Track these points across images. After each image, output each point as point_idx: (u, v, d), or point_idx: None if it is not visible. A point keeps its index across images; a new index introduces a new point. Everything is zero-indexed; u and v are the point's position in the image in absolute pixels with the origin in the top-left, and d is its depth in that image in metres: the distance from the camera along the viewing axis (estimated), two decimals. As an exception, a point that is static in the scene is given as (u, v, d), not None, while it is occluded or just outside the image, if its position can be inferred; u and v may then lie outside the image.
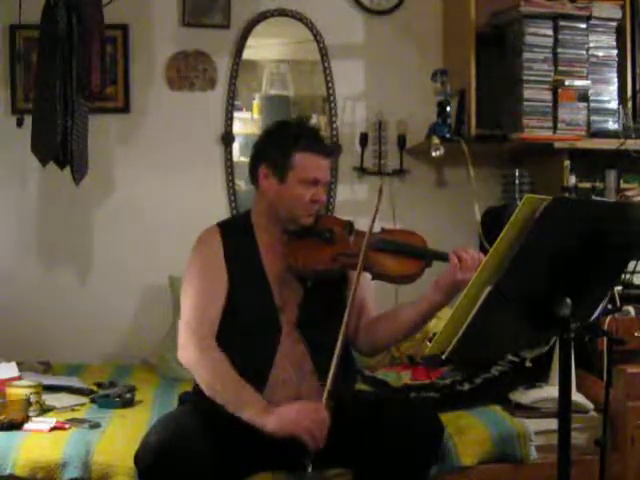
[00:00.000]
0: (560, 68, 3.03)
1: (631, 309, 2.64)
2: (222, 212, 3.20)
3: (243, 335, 1.99)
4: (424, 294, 2.02)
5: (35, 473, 2.02)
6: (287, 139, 2.05)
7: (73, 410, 2.40)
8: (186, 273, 2.08)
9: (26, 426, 2.20)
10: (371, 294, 2.20)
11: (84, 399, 2.52)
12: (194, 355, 1.97)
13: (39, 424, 2.20)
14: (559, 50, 3.03)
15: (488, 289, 1.41)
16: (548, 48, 3.02)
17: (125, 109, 3.28)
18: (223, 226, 2.12)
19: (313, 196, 2.04)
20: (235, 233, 2.10)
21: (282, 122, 2.20)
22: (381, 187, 2.11)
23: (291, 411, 1.85)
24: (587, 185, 3.00)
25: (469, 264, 1.93)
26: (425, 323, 2.09)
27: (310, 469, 1.83)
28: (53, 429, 2.18)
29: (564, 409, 1.55)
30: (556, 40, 3.03)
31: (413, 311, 2.04)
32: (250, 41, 3.34)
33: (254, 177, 2.12)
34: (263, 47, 3.40)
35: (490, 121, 3.12)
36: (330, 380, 1.87)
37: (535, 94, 3.02)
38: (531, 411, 2.46)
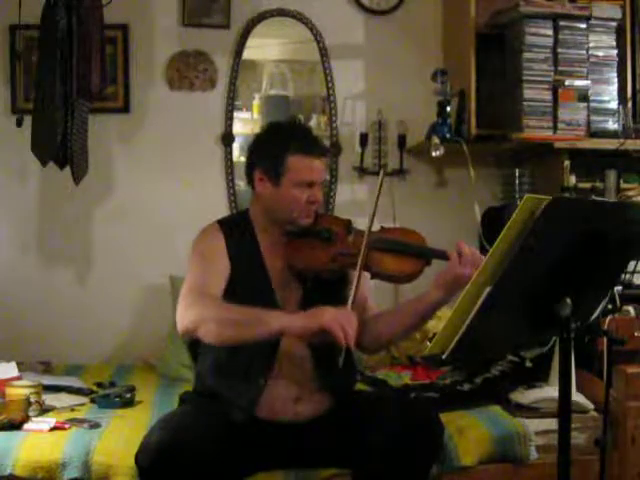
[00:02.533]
0: (560, 68, 3.03)
1: (631, 309, 2.64)
2: (222, 212, 3.19)
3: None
4: (425, 292, 2.02)
5: (35, 473, 2.02)
6: (279, 142, 2.04)
7: (73, 410, 2.40)
8: (188, 262, 2.06)
9: (26, 426, 2.20)
10: (370, 292, 2.21)
11: (84, 399, 2.52)
12: (198, 306, 1.89)
13: (39, 424, 2.20)
14: (559, 50, 3.03)
15: (488, 289, 1.40)
16: (548, 48, 3.02)
17: (125, 109, 3.28)
18: (224, 223, 2.12)
19: (309, 197, 2.04)
20: (236, 231, 2.10)
21: (274, 124, 2.19)
22: (381, 175, 2.05)
23: (320, 309, 1.83)
24: (587, 185, 3.00)
25: (469, 259, 1.93)
26: (426, 321, 2.09)
27: (341, 362, 1.81)
28: (53, 429, 2.18)
29: (564, 409, 1.55)
30: (556, 40, 3.03)
31: (414, 308, 2.03)
32: (250, 41, 3.34)
33: (249, 180, 2.12)
34: (263, 47, 3.40)
35: (490, 121, 3.12)
36: (353, 292, 1.88)
37: (535, 94, 3.02)
38: (531, 411, 2.46)
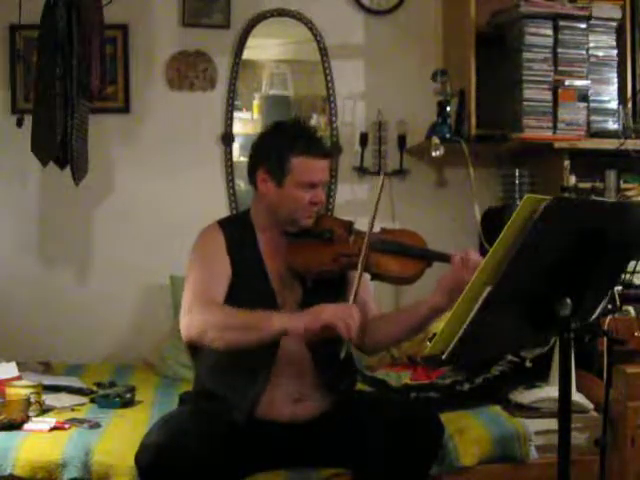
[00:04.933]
0: (560, 68, 3.03)
1: (631, 309, 2.64)
2: (222, 212, 3.20)
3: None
4: (427, 296, 2.01)
5: (35, 473, 2.02)
6: (283, 143, 2.04)
7: (73, 410, 2.40)
8: (189, 264, 2.06)
9: (26, 426, 2.20)
10: (370, 293, 2.21)
11: (84, 399, 2.52)
12: (202, 314, 1.89)
13: (39, 424, 2.20)
14: (559, 50, 3.03)
15: (488, 289, 1.40)
16: (548, 48, 3.02)
17: (125, 109, 3.28)
18: (224, 224, 2.12)
19: (312, 198, 2.04)
20: (236, 231, 2.10)
21: (278, 124, 2.18)
22: (382, 180, 2.04)
23: (321, 307, 1.84)
24: (587, 185, 3.00)
25: (472, 265, 1.92)
26: (426, 325, 2.08)
27: (343, 355, 1.83)
28: (53, 429, 2.18)
29: (564, 409, 1.55)
30: (556, 40, 3.02)
31: (415, 312, 2.03)
32: (250, 41, 3.34)
33: (252, 179, 2.12)
34: (263, 47, 3.40)
35: (490, 121, 3.12)
36: (355, 290, 1.89)
37: (535, 94, 3.01)
38: (531, 411, 2.46)
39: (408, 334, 2.12)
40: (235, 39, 3.34)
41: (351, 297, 1.89)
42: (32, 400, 2.27)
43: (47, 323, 3.20)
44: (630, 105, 3.13)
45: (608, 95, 3.09)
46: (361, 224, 2.13)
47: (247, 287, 2.03)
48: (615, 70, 3.10)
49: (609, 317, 2.43)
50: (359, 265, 1.95)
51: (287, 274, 2.06)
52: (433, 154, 3.03)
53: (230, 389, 1.99)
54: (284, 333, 1.85)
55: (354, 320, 1.80)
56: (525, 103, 3.00)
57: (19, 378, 2.44)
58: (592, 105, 3.06)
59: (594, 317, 1.67)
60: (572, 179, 2.98)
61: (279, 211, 2.06)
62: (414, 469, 1.91)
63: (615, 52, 3.09)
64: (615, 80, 3.10)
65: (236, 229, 2.11)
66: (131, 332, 3.28)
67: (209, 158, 3.34)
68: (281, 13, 3.35)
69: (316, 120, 3.43)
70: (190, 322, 1.91)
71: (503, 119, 3.12)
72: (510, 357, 2.57)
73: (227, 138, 3.35)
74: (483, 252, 2.84)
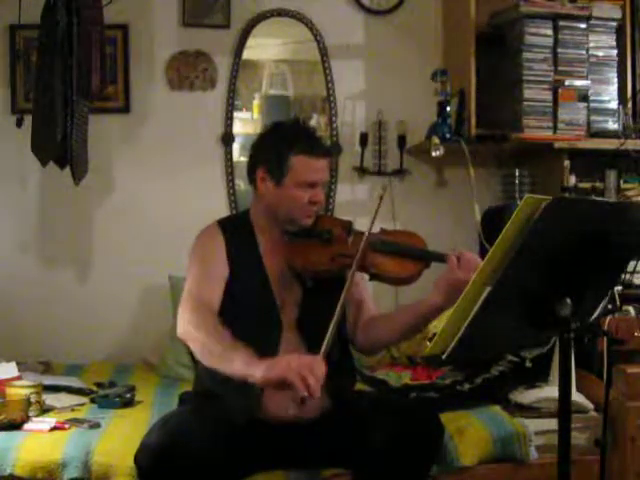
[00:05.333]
0: (560, 68, 3.03)
1: (631, 309, 2.64)
2: (222, 212, 3.19)
3: (243, 334, 1.97)
4: (425, 297, 2.01)
5: (35, 473, 2.02)
6: (282, 142, 2.04)
7: (73, 410, 2.40)
8: (188, 265, 2.07)
9: (26, 426, 2.19)
10: (368, 294, 2.21)
11: (84, 399, 2.52)
12: (189, 317, 1.93)
13: (39, 424, 2.20)
14: (559, 50, 3.03)
15: (488, 289, 1.40)
16: (548, 48, 3.02)
17: (125, 109, 3.28)
18: (223, 224, 2.12)
19: (311, 198, 2.03)
20: (236, 231, 2.10)
21: (277, 124, 2.19)
22: (382, 194, 2.05)
23: (283, 359, 1.78)
24: (587, 185, 3.01)
25: (468, 264, 1.93)
26: (425, 325, 2.08)
27: (291, 412, 1.83)
28: (53, 429, 2.18)
29: (564, 409, 1.55)
30: (556, 40, 3.03)
31: (413, 312, 2.03)
32: (250, 41, 3.34)
33: (252, 179, 2.12)
34: (263, 47, 3.40)
35: (490, 121, 3.12)
36: (328, 337, 1.80)
37: (535, 94, 3.02)
38: (531, 411, 2.47)
39: (406, 334, 2.12)
40: (235, 39, 3.34)
41: (323, 347, 1.79)
42: (32, 400, 2.27)
43: (47, 323, 3.20)
44: (630, 105, 3.13)
45: (608, 95, 3.09)
46: (361, 224, 2.13)
47: (246, 288, 2.03)
48: (615, 70, 3.10)
49: (609, 317, 2.43)
50: (353, 265, 1.95)
51: (287, 274, 2.06)
52: (433, 154, 3.03)
53: (230, 389, 1.98)
54: (244, 377, 1.79)
55: (316, 378, 1.70)
56: (525, 103, 3.01)
57: (19, 378, 2.44)
58: (592, 105, 3.07)
59: (594, 317, 1.67)
60: (572, 179, 2.98)
61: (278, 211, 2.06)
62: (414, 469, 1.91)
63: (615, 52, 3.10)
64: (615, 80, 3.10)
65: (235, 229, 2.11)
66: (131, 332, 3.28)
67: (209, 158, 3.34)
68: (281, 13, 3.35)
69: (316, 120, 3.43)
70: (181, 321, 1.95)
71: (503, 119, 3.13)
72: (510, 357, 2.57)
73: (227, 138, 3.35)
74: (483, 252, 2.85)
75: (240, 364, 1.79)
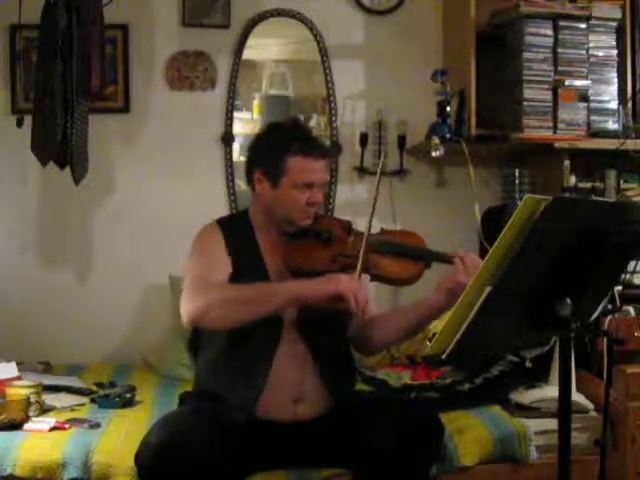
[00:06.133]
0: (560, 68, 3.03)
1: (631, 309, 2.64)
2: (222, 212, 3.17)
3: (244, 334, 1.99)
4: (426, 296, 2.01)
5: (35, 473, 2.02)
6: (279, 143, 2.03)
7: (73, 410, 2.40)
8: (188, 261, 2.05)
9: (26, 426, 2.20)
10: (370, 294, 2.20)
11: (84, 399, 2.52)
12: (204, 293, 1.89)
13: (39, 424, 2.20)
14: (559, 50, 3.03)
15: (488, 289, 1.40)
16: (548, 48, 3.02)
17: (125, 109, 3.28)
18: (223, 223, 2.12)
19: (309, 199, 2.03)
20: (235, 230, 2.10)
21: (274, 124, 2.18)
22: (380, 164, 2.07)
23: (332, 275, 1.89)
24: (587, 185, 3.01)
25: (472, 267, 1.92)
26: (426, 325, 2.09)
27: (351, 331, 1.92)
28: (53, 429, 2.18)
29: (564, 409, 1.55)
30: (556, 40, 3.03)
31: (414, 313, 2.03)
32: (250, 41, 3.34)
33: (249, 180, 2.11)
34: (263, 47, 3.40)
35: (490, 121, 3.12)
36: (359, 264, 1.92)
37: (535, 94, 3.02)
38: (531, 411, 2.47)
39: (407, 335, 2.12)
40: (235, 39, 3.34)
41: (356, 275, 1.91)
42: (32, 400, 2.27)
43: (47, 323, 3.20)
44: (630, 105, 3.13)
45: (608, 95, 3.09)
46: (361, 224, 2.13)
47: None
48: (615, 70, 3.10)
49: (609, 317, 2.43)
50: (357, 266, 1.95)
51: (286, 274, 2.06)
52: (433, 154, 3.03)
53: (230, 389, 1.99)
54: (296, 301, 1.89)
55: (362, 295, 1.85)
56: (525, 103, 3.01)
57: (19, 378, 2.44)
58: (592, 105, 3.06)
59: (594, 317, 1.67)
60: (572, 179, 2.98)
61: (276, 212, 2.06)
62: (414, 469, 1.91)
63: (615, 52, 3.10)
64: (615, 80, 3.10)
65: (235, 228, 2.11)
66: (131, 332, 3.28)
67: (209, 158, 3.34)
68: (281, 13, 3.35)
69: (316, 120, 3.43)
70: (192, 304, 1.89)
71: (503, 119, 3.13)
72: (510, 357, 2.57)
73: (227, 138, 3.35)
74: (483, 252, 2.85)
75: (290, 289, 1.89)
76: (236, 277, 2.02)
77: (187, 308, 1.90)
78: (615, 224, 1.52)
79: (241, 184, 3.33)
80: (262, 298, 1.88)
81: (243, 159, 3.24)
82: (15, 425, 2.18)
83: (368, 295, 2.14)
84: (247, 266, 2.05)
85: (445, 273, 1.98)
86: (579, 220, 1.47)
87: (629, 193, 2.94)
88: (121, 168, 3.30)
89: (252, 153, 2.12)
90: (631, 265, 2.34)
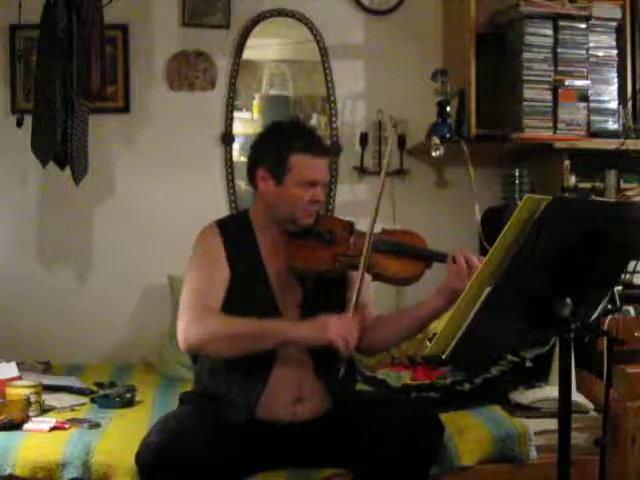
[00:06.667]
0: (560, 68, 3.03)
1: (631, 309, 2.64)
2: (222, 212, 3.19)
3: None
4: (426, 298, 2.01)
5: (35, 473, 2.02)
6: (283, 141, 2.04)
7: (73, 410, 2.40)
8: (188, 266, 2.06)
9: (26, 426, 2.20)
10: (371, 296, 2.20)
11: (84, 399, 2.52)
12: (203, 323, 1.91)
13: (39, 424, 2.20)
14: (559, 50, 3.03)
15: (488, 289, 1.40)
16: (548, 48, 3.02)
17: (125, 109, 3.28)
18: (222, 225, 2.11)
19: (312, 197, 2.03)
20: (235, 232, 2.09)
21: (277, 123, 2.18)
22: (383, 175, 2.05)
23: (324, 321, 1.89)
24: (587, 185, 3.00)
25: (464, 270, 1.92)
26: (425, 327, 2.08)
27: (342, 373, 1.88)
28: (53, 429, 2.18)
29: (564, 409, 1.55)
30: (556, 40, 3.02)
31: (414, 314, 2.04)
32: (250, 41, 3.35)
33: (252, 179, 2.11)
34: (263, 47, 3.40)
35: (490, 121, 3.12)
36: (355, 295, 1.92)
37: (535, 94, 3.01)
38: (531, 411, 2.46)
39: (407, 336, 2.13)
40: (235, 39, 3.34)
41: (351, 305, 1.92)
42: (32, 400, 2.27)
43: (47, 323, 3.20)
44: (630, 105, 3.12)
45: (608, 95, 3.09)
46: (361, 224, 2.13)
47: (247, 289, 2.03)
48: (615, 70, 3.09)
49: (609, 317, 2.43)
50: (360, 267, 1.95)
51: (286, 275, 2.06)
52: (433, 154, 3.03)
53: (230, 389, 1.99)
54: (287, 343, 1.92)
55: (353, 338, 1.86)
56: (525, 103, 3.00)
57: (19, 378, 2.44)
58: (592, 105, 3.06)
59: (594, 317, 1.67)
60: (572, 179, 2.98)
61: (279, 210, 2.06)
62: (414, 469, 1.91)
63: (615, 52, 3.09)
64: (615, 80, 3.09)
65: (234, 229, 2.10)
66: (131, 332, 3.28)
67: (209, 158, 3.34)
68: (281, 13, 3.35)
69: (316, 120, 3.43)
70: (187, 330, 1.92)
71: (503, 119, 3.12)
72: (510, 357, 2.57)
73: (227, 138, 3.35)
74: (483, 252, 2.85)
75: (290, 331, 1.91)
76: (235, 281, 2.02)
77: (185, 337, 1.93)
78: (615, 224, 1.52)
79: (241, 184, 3.33)
80: (257, 338, 1.91)
81: (243, 159, 3.28)
82: (15, 425, 2.18)
83: (369, 301, 2.15)
84: (247, 270, 2.05)
85: (442, 272, 1.99)
86: (579, 220, 1.47)
87: (629, 193, 2.94)
88: (121, 168, 3.30)
89: (255, 151, 2.12)
90: (631, 265, 2.34)
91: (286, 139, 2.04)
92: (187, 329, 1.92)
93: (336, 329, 1.85)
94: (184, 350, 1.95)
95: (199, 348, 1.93)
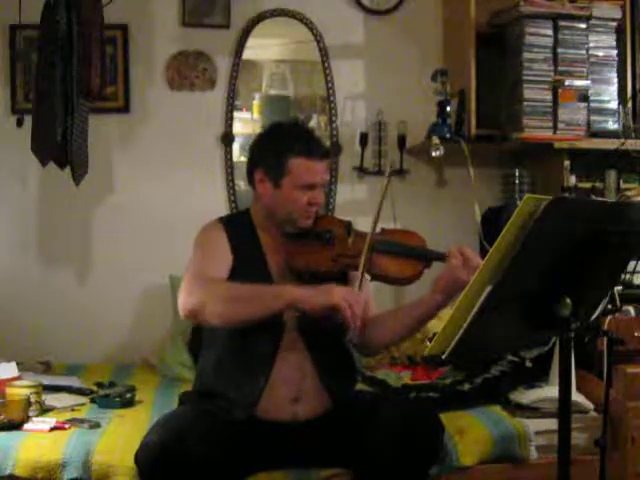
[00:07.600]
0: (560, 68, 3.03)
1: (631, 309, 2.64)
2: (222, 212, 3.17)
3: (244, 334, 1.99)
4: (423, 296, 2.01)
5: (35, 473, 2.02)
6: (281, 144, 2.04)
7: (73, 410, 2.40)
8: (191, 256, 2.05)
9: (26, 426, 2.19)
10: (370, 294, 2.20)
11: (84, 399, 2.52)
12: (202, 287, 1.90)
13: (39, 424, 2.20)
14: (559, 50, 3.03)
15: (488, 289, 1.40)
16: (548, 48, 3.02)
17: (125, 109, 3.28)
18: (225, 220, 2.12)
19: (310, 199, 2.03)
20: (237, 228, 2.10)
21: (276, 125, 2.18)
22: (388, 181, 2.02)
23: (329, 286, 1.87)
24: (587, 185, 3.01)
25: (467, 263, 1.93)
26: (424, 324, 2.09)
27: (349, 337, 1.88)
28: (53, 429, 2.18)
29: (564, 409, 1.55)
30: (556, 40, 3.03)
31: (412, 312, 2.04)
32: (250, 41, 3.34)
33: (250, 180, 2.12)
34: (263, 47, 3.40)
35: (490, 121, 3.12)
36: (362, 265, 1.92)
37: (535, 94, 3.02)
38: (531, 411, 2.46)
39: (406, 334, 2.12)
40: (235, 39, 3.34)
41: (357, 281, 1.91)
42: (32, 400, 2.26)
43: (47, 323, 3.20)
44: (630, 105, 3.13)
45: (608, 95, 3.09)
46: (361, 224, 2.13)
47: (248, 281, 2.02)
48: (615, 70, 3.10)
49: (609, 317, 2.43)
50: (361, 267, 1.95)
51: (288, 274, 2.06)
52: (433, 154, 3.03)
53: (230, 388, 1.99)
54: (292, 306, 1.87)
55: (359, 307, 1.83)
56: (525, 103, 3.01)
57: (19, 378, 2.44)
58: (592, 105, 3.06)
59: (594, 317, 1.67)
60: (572, 179, 2.98)
61: (277, 212, 2.06)
62: (414, 469, 1.91)
63: (615, 52, 3.10)
64: (615, 80, 3.10)
65: (237, 226, 2.11)
66: (131, 332, 3.28)
67: (209, 158, 3.34)
68: (281, 13, 3.35)
69: (316, 120, 3.43)
70: (189, 298, 1.90)
71: (503, 119, 3.13)
72: (510, 357, 2.57)
73: (227, 138, 3.35)
74: (483, 252, 2.85)
75: (288, 293, 1.86)
76: (238, 273, 2.02)
77: (184, 302, 1.91)
78: (615, 224, 1.52)
79: (241, 184, 3.33)
80: (259, 299, 1.88)
81: (243, 159, 3.28)
82: (15, 425, 2.18)
83: (369, 299, 2.14)
84: (249, 263, 2.05)
85: (440, 272, 1.98)
86: (579, 220, 1.47)
87: (629, 193, 2.94)
88: (121, 168, 3.30)
89: (254, 153, 2.12)
90: (631, 265, 2.34)
91: (284, 142, 2.04)
92: (188, 293, 1.91)
93: (342, 294, 1.84)
94: (184, 316, 1.92)
95: (198, 312, 1.88)
